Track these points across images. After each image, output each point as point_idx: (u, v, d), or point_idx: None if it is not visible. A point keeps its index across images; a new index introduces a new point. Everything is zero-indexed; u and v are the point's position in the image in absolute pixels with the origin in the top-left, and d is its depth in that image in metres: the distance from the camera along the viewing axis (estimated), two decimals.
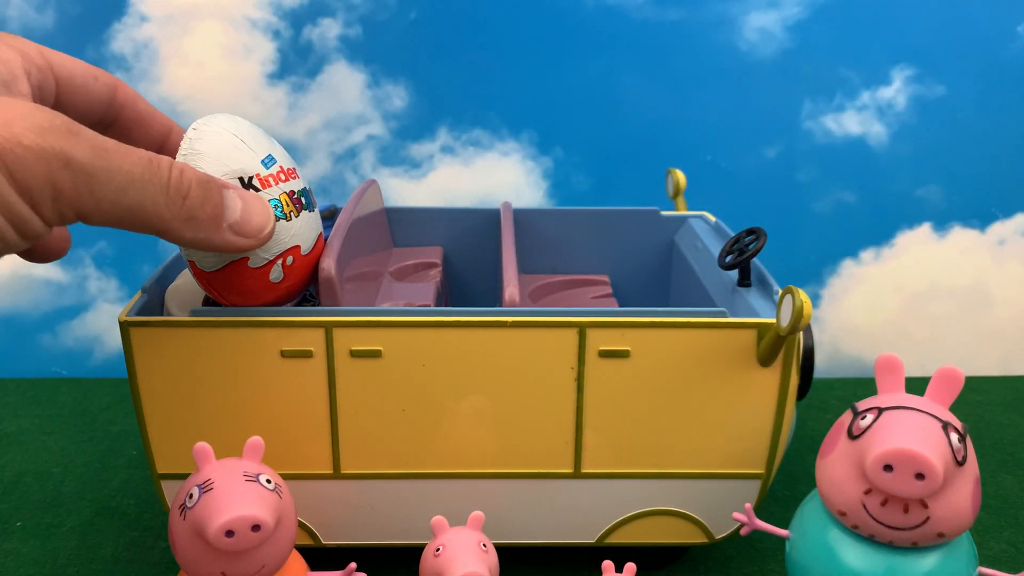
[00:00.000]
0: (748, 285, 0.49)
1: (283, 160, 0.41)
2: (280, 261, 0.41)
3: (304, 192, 0.42)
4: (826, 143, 0.73)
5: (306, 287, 0.44)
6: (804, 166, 0.74)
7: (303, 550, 0.46)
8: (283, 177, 0.40)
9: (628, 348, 0.43)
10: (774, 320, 0.42)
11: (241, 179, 0.39)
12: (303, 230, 0.41)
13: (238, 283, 0.41)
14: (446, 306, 0.59)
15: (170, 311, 0.48)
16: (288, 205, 0.40)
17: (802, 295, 0.39)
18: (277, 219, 0.40)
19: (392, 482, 0.46)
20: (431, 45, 0.71)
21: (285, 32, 0.70)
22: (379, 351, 0.43)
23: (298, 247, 0.41)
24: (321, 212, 0.62)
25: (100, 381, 0.75)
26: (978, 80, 0.72)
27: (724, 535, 0.48)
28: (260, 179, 0.39)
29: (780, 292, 0.41)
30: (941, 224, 0.75)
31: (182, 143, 0.39)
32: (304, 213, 0.41)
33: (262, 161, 0.39)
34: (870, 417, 0.39)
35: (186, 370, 0.43)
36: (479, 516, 0.42)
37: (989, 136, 0.73)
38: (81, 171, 0.30)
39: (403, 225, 0.62)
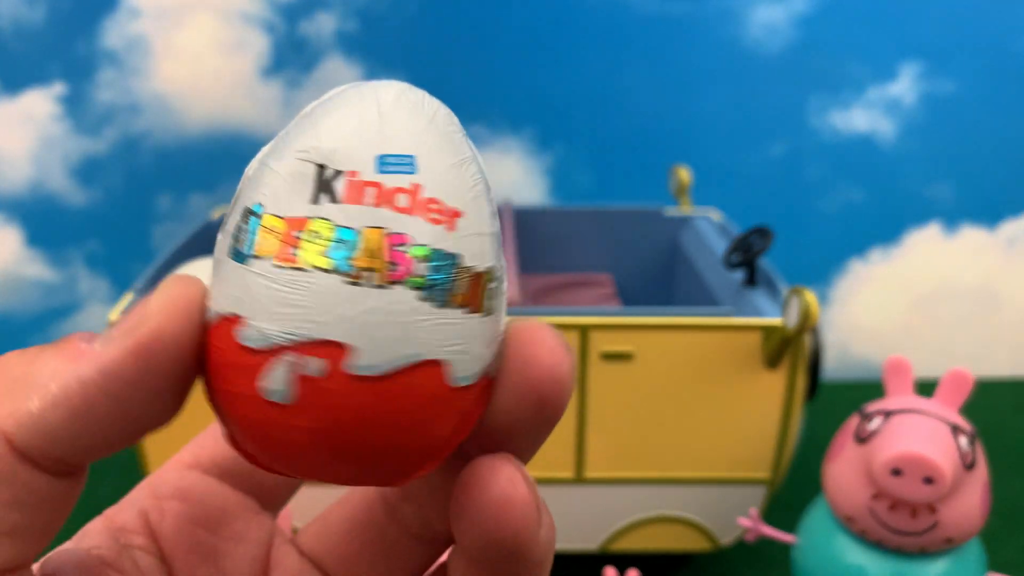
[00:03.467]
0: (754, 285, 0.49)
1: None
2: None
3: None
4: (833, 140, 0.73)
5: None
6: (811, 164, 0.73)
7: None
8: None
9: (631, 350, 0.43)
10: (781, 321, 0.42)
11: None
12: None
13: None
14: None
15: None
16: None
17: (809, 295, 0.39)
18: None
19: None
20: (430, 39, 0.71)
21: (279, 26, 0.70)
22: None
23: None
24: None
25: None
26: (988, 76, 0.71)
27: (729, 541, 0.48)
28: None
29: (787, 292, 0.41)
30: (950, 223, 0.75)
31: None
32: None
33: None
34: (878, 420, 0.39)
35: None
36: None
37: (999, 133, 0.72)
38: None
39: None
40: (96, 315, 0.76)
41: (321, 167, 0.15)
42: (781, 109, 0.72)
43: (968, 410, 0.40)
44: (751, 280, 0.49)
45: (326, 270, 0.14)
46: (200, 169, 0.73)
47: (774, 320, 0.43)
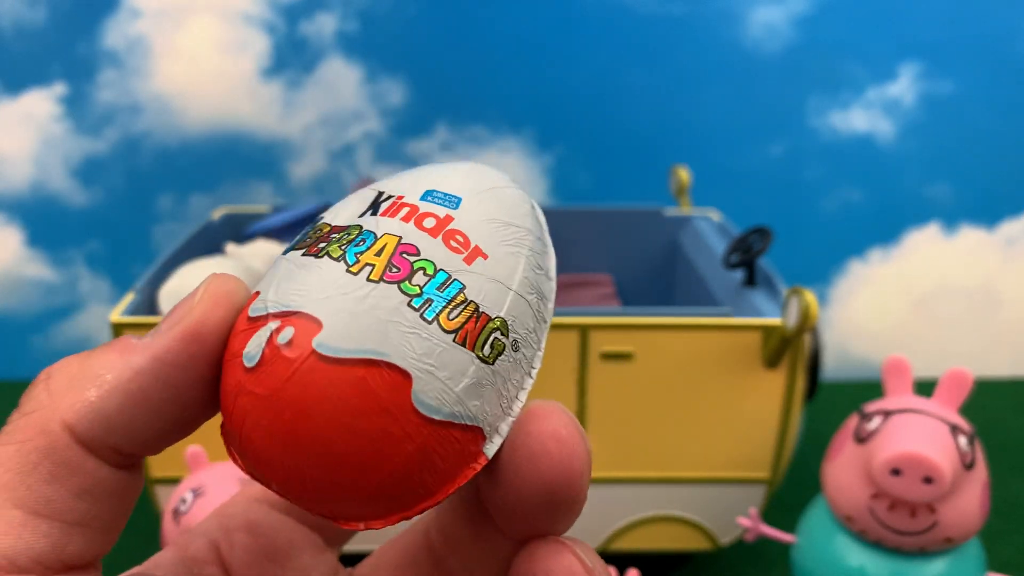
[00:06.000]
0: (754, 285, 0.48)
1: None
2: None
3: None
4: (832, 140, 0.73)
5: None
6: (810, 164, 0.73)
7: None
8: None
9: (631, 350, 0.43)
10: (780, 321, 0.42)
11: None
12: None
13: None
14: None
15: (163, 312, 0.47)
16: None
17: (808, 295, 0.39)
18: None
19: None
20: (429, 39, 0.70)
21: (280, 27, 0.70)
22: None
23: None
24: (316, 211, 0.61)
25: None
26: (987, 76, 0.71)
27: (729, 541, 0.48)
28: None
29: (786, 292, 0.41)
30: (949, 223, 0.75)
31: None
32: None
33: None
34: (877, 420, 0.39)
35: None
36: None
37: (998, 133, 0.72)
38: None
39: None
40: (97, 315, 0.76)
41: (380, 192, 0.16)
42: (780, 109, 0.72)
43: (967, 410, 0.40)
44: (751, 280, 0.48)
45: (335, 259, 0.15)
46: (200, 169, 0.73)
47: (774, 320, 0.43)
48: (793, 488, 0.59)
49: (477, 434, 0.15)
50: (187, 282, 0.49)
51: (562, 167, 0.74)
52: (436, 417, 0.14)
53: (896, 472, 0.36)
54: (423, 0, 0.69)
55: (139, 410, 0.15)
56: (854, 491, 0.38)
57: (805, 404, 0.47)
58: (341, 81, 0.71)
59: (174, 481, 0.44)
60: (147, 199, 0.73)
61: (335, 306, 0.14)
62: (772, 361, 0.43)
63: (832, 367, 0.78)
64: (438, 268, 0.15)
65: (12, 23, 0.68)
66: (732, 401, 0.44)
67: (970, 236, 0.75)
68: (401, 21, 0.70)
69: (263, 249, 0.55)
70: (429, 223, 0.15)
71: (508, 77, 0.71)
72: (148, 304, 0.47)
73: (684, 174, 0.63)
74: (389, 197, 0.16)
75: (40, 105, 0.70)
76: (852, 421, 0.41)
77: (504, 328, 0.15)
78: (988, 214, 0.74)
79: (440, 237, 0.15)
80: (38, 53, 0.69)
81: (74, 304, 0.75)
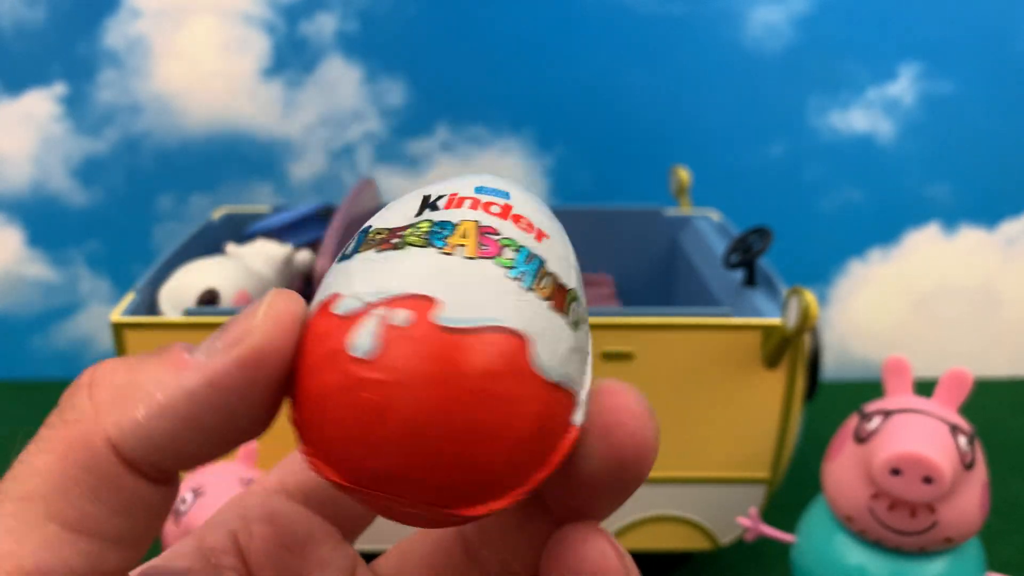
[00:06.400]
0: (753, 285, 0.48)
1: None
2: None
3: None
4: (832, 140, 0.73)
5: None
6: (810, 164, 0.73)
7: None
8: None
9: (631, 350, 0.43)
10: (780, 321, 0.42)
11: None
12: None
13: None
14: None
15: (164, 312, 0.47)
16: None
17: (808, 295, 0.39)
18: None
19: None
20: (430, 39, 0.70)
21: (280, 27, 0.70)
22: None
23: None
24: (316, 211, 0.61)
25: None
26: (987, 76, 0.71)
27: (729, 541, 0.48)
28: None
29: (786, 292, 0.41)
30: (949, 223, 0.75)
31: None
32: None
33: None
34: (877, 420, 0.39)
35: None
36: None
37: (998, 133, 0.72)
38: None
39: None
40: (97, 315, 0.76)
41: (427, 196, 0.16)
42: (780, 109, 0.72)
43: (967, 410, 0.40)
44: (750, 280, 0.48)
45: (421, 247, 0.15)
46: (201, 169, 0.73)
47: (773, 320, 0.42)
48: (793, 488, 0.59)
49: (572, 400, 0.15)
50: (187, 282, 0.49)
51: (562, 167, 0.74)
52: (551, 378, 0.14)
53: (896, 472, 0.36)
54: (423, 0, 0.69)
55: (189, 434, 0.14)
56: (854, 491, 0.38)
57: (805, 404, 0.47)
58: (341, 81, 0.71)
59: None
60: (147, 199, 0.73)
61: (442, 283, 0.14)
62: (772, 361, 0.43)
63: (832, 367, 0.78)
64: (519, 245, 0.15)
65: (12, 23, 0.68)
66: (732, 401, 0.44)
67: (970, 236, 0.75)
68: (401, 21, 0.70)
69: (263, 249, 0.55)
70: (495, 209, 0.16)
71: (508, 77, 0.71)
72: (148, 304, 0.47)
73: (684, 174, 0.63)
74: (441, 196, 0.16)
75: (40, 105, 0.70)
76: (852, 421, 0.41)
77: (578, 299, 0.16)
78: (988, 214, 0.74)
79: (509, 220, 0.16)
80: (38, 53, 0.69)
81: (74, 304, 0.75)
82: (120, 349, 0.42)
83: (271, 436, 0.46)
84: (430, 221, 0.15)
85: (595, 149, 0.73)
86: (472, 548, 0.18)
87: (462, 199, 0.16)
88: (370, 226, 0.16)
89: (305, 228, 0.60)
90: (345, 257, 0.16)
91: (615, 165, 0.74)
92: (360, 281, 0.15)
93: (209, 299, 0.48)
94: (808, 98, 0.72)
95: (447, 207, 0.16)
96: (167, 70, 0.70)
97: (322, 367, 0.14)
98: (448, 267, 0.15)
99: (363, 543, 0.40)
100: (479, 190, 0.16)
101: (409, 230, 0.15)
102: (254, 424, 0.15)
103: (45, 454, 0.14)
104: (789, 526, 0.44)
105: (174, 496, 0.15)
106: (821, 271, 0.76)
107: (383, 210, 0.17)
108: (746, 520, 0.44)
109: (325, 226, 0.59)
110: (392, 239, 0.15)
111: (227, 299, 0.49)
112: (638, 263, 0.63)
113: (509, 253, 0.15)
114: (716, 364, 0.43)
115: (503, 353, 0.14)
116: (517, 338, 0.14)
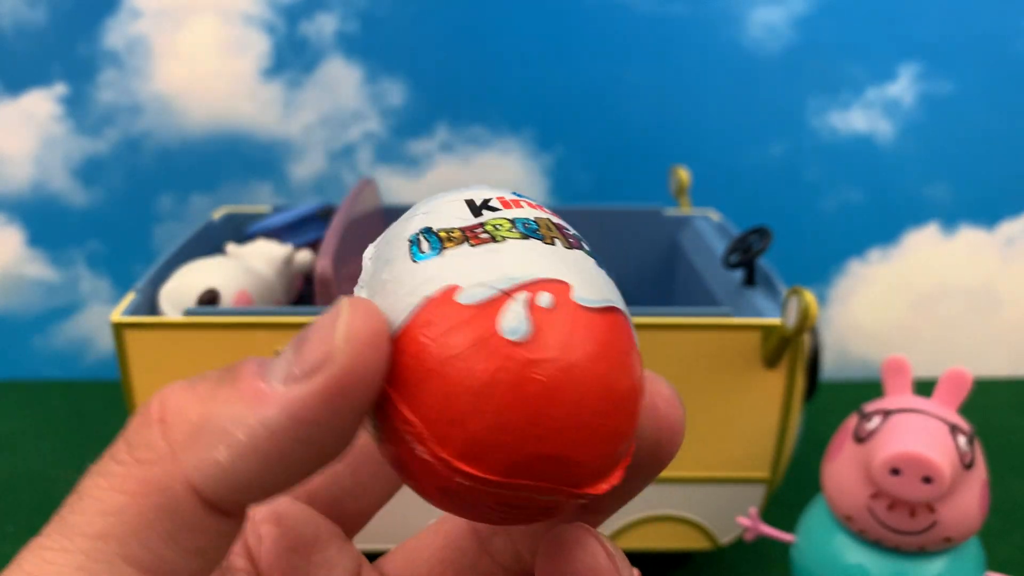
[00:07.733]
0: (753, 285, 0.48)
1: None
2: None
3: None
4: (832, 141, 0.73)
5: None
6: (810, 164, 0.73)
7: None
8: None
9: None
10: (780, 321, 0.42)
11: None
12: None
13: None
14: None
15: (164, 312, 0.47)
16: None
17: (808, 295, 0.39)
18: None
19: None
20: (430, 40, 0.70)
21: (280, 27, 0.70)
22: None
23: None
24: (316, 211, 0.61)
25: (93, 383, 0.75)
26: (986, 76, 0.71)
27: (729, 541, 0.48)
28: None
29: (786, 292, 0.41)
30: (949, 223, 0.75)
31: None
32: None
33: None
34: (876, 420, 0.39)
35: (180, 372, 0.42)
36: None
37: (997, 133, 0.72)
38: None
39: None
40: (97, 315, 0.76)
41: (471, 199, 0.17)
42: (780, 110, 0.72)
43: (967, 409, 0.40)
44: (750, 280, 0.48)
45: (520, 239, 0.16)
46: (201, 169, 0.73)
47: (773, 320, 0.42)
48: (793, 488, 0.59)
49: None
50: (187, 282, 0.49)
51: (562, 167, 0.74)
52: (637, 352, 0.16)
53: (895, 472, 0.36)
54: (423, 0, 0.69)
55: (272, 470, 0.14)
56: (853, 491, 0.38)
57: (805, 404, 0.47)
58: (341, 81, 0.71)
59: None
60: (147, 199, 0.73)
61: (564, 268, 0.15)
62: (772, 361, 0.43)
63: (832, 367, 0.78)
64: (583, 238, 0.17)
65: (12, 23, 0.68)
66: (732, 401, 0.44)
67: (969, 236, 0.75)
68: (401, 21, 0.70)
69: (263, 249, 0.55)
70: (548, 209, 0.17)
71: (508, 77, 0.71)
72: (149, 304, 0.47)
73: (684, 174, 0.63)
74: (489, 199, 0.17)
75: (40, 105, 0.70)
76: (851, 421, 0.41)
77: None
78: (987, 214, 0.74)
79: (559, 219, 0.17)
80: (38, 53, 0.69)
81: (74, 304, 0.75)
82: (120, 349, 0.42)
83: None
84: (507, 219, 0.16)
85: (595, 149, 0.73)
86: (485, 539, 0.18)
87: (513, 200, 0.17)
88: (427, 228, 0.16)
89: (305, 228, 0.60)
90: (424, 255, 0.15)
91: (615, 165, 0.74)
92: (481, 272, 0.15)
93: (209, 299, 0.48)
94: (808, 98, 0.72)
95: (507, 207, 0.16)
96: (167, 70, 0.70)
97: (470, 358, 0.14)
98: (561, 256, 0.15)
99: (363, 543, 0.40)
100: (515, 194, 0.17)
101: (489, 227, 0.16)
102: (339, 450, 0.14)
103: (118, 493, 0.14)
104: (789, 526, 0.44)
105: (243, 523, 0.15)
106: (821, 271, 0.76)
107: (421, 216, 0.16)
108: (746, 520, 0.44)
109: (325, 226, 0.59)
110: (480, 234, 0.15)
111: (227, 299, 0.49)
112: (638, 263, 0.63)
113: (586, 245, 0.17)
114: (716, 364, 0.43)
115: (627, 330, 0.16)
116: (625, 317, 0.16)
